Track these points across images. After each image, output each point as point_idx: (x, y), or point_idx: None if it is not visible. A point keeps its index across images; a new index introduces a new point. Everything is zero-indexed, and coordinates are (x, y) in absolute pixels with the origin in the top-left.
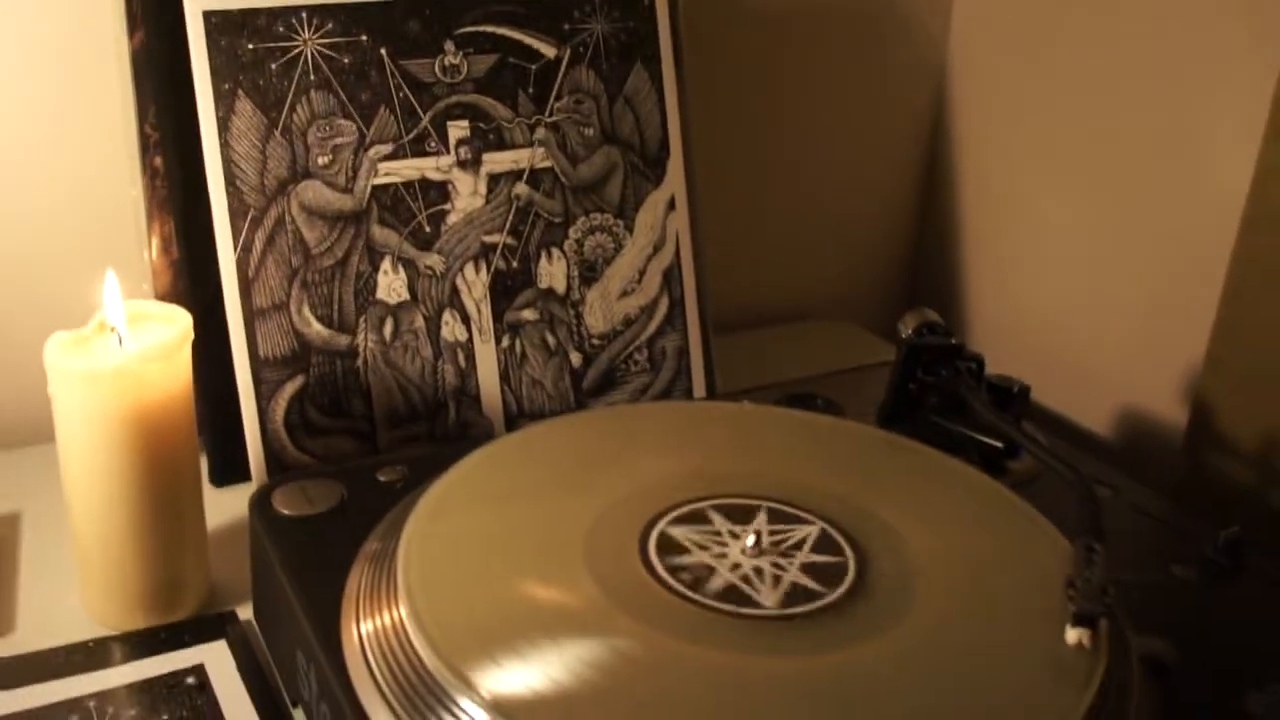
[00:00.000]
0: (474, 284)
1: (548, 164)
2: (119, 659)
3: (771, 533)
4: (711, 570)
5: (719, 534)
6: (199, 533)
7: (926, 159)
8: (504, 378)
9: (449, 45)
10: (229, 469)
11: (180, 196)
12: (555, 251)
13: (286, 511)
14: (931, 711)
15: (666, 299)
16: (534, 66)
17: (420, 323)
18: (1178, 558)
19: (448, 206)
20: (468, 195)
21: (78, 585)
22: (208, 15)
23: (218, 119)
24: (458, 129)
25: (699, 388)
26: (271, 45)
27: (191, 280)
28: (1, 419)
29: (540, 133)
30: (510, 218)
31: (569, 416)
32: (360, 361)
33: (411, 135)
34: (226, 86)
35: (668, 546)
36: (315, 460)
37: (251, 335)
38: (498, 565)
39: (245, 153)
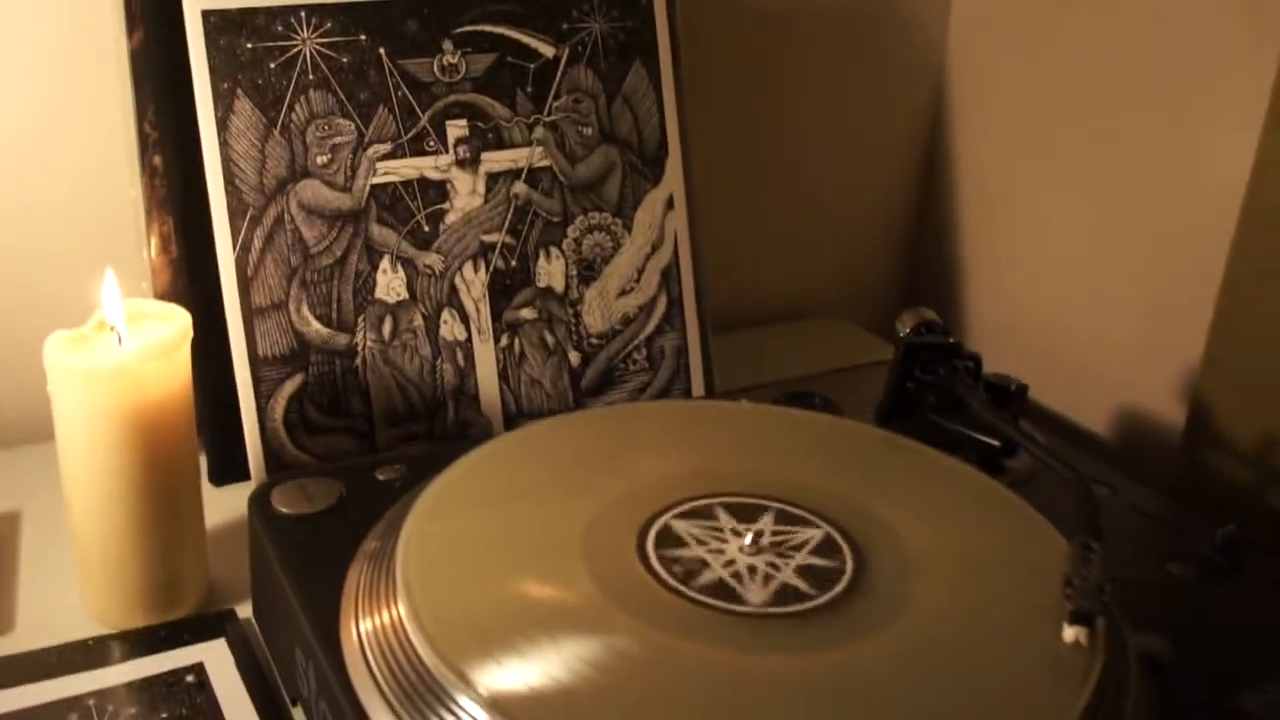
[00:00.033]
0: (473, 283)
1: (546, 163)
2: (118, 657)
3: (775, 533)
4: (704, 565)
5: (721, 531)
6: (198, 531)
7: (925, 158)
8: (503, 377)
9: (447, 44)
10: (228, 468)
11: (179, 195)
12: (554, 250)
13: (285, 510)
14: (929, 709)
15: (665, 298)
16: (532, 66)
17: (419, 322)
18: (1175, 556)
19: (446, 205)
20: (466, 194)
21: (77, 584)
22: (206, 15)
23: (217, 118)
24: (456, 128)
25: (698, 387)
26: (270, 44)
27: (191, 279)
28: (1, 417)
29: (539, 132)
30: (509, 217)
31: (568, 415)
32: (359, 360)
33: (410, 134)
34: (225, 86)
35: (667, 540)
36: (314, 459)
37: (250, 334)
38: (496, 563)
39: (244, 152)
